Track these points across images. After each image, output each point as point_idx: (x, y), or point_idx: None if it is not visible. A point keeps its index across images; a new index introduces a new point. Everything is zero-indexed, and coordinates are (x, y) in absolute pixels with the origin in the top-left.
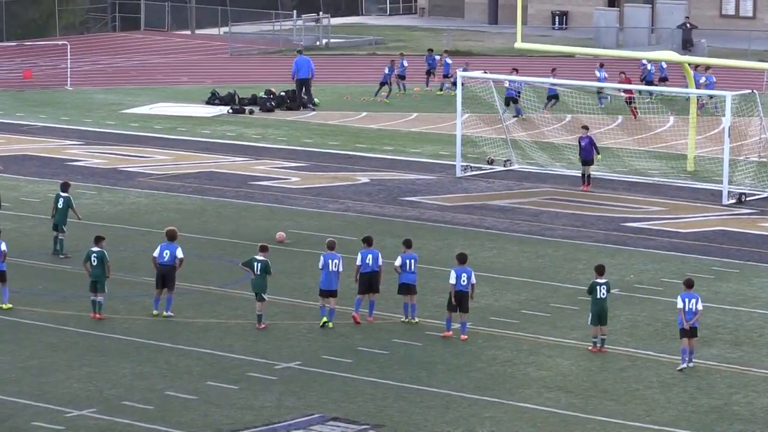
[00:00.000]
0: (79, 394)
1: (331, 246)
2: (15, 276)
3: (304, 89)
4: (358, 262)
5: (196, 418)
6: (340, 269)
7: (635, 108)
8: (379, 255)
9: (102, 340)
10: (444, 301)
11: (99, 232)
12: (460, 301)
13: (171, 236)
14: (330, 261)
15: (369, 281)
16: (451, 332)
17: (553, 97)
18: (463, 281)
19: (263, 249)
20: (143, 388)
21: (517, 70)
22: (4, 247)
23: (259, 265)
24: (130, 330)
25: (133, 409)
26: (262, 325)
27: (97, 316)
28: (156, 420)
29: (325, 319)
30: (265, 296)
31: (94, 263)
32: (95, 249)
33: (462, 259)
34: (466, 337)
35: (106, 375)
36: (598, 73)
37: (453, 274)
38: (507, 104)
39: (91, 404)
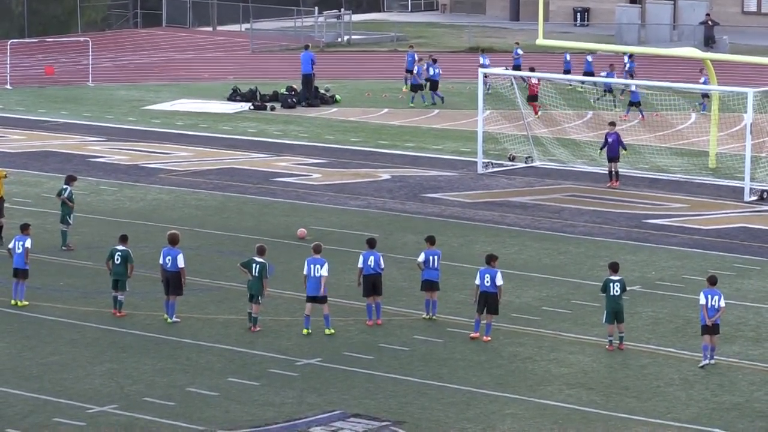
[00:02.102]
0: (100, 391)
1: (317, 249)
2: (37, 272)
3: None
4: (360, 264)
5: (217, 414)
6: (324, 274)
7: (537, 105)
8: (381, 257)
9: (123, 336)
10: (465, 298)
11: (120, 229)
12: (486, 301)
13: (171, 241)
14: (312, 266)
15: (373, 284)
16: (478, 334)
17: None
18: (487, 282)
19: (261, 251)
20: (164, 385)
21: (435, 61)
22: (28, 243)
23: (258, 267)
24: (152, 326)
25: (154, 405)
26: (258, 328)
27: (118, 313)
28: (177, 416)
29: (307, 330)
30: (261, 299)
31: (117, 261)
32: (120, 248)
33: (488, 259)
34: (489, 338)
35: (128, 371)
36: (481, 59)
37: (478, 275)
38: (414, 91)
39: (113, 400)
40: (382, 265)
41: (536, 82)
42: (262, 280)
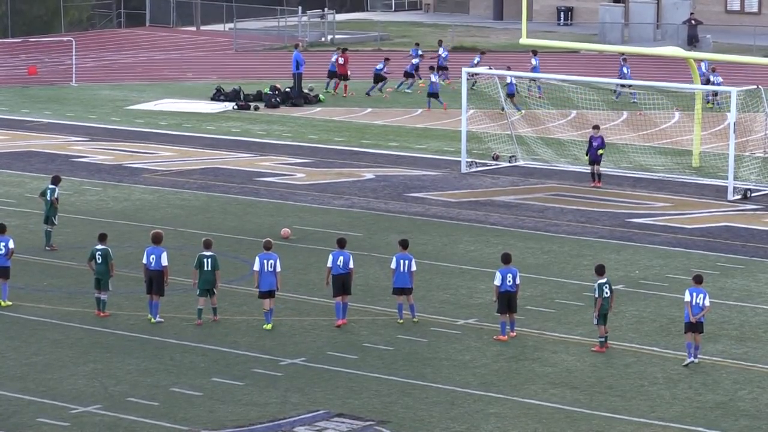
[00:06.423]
0: (84, 391)
1: (267, 246)
2: (20, 272)
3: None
4: (329, 264)
5: (201, 414)
6: (277, 269)
7: (347, 85)
8: (351, 258)
9: (107, 336)
10: (451, 298)
11: (104, 229)
12: (508, 301)
13: (155, 240)
14: (265, 261)
15: (342, 283)
16: (506, 336)
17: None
18: (509, 281)
19: (208, 245)
20: (148, 385)
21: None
22: (11, 244)
23: (209, 260)
24: (135, 326)
25: (138, 405)
26: (216, 317)
27: (101, 314)
28: (161, 416)
29: (269, 325)
30: (216, 290)
31: (99, 261)
32: (99, 247)
33: (506, 259)
34: (515, 333)
35: (111, 371)
36: (333, 57)
37: (498, 275)
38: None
39: (96, 400)
40: (351, 265)
41: (343, 62)
42: (215, 272)
